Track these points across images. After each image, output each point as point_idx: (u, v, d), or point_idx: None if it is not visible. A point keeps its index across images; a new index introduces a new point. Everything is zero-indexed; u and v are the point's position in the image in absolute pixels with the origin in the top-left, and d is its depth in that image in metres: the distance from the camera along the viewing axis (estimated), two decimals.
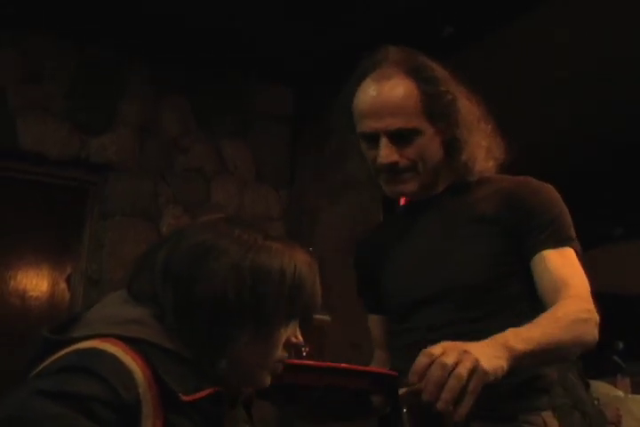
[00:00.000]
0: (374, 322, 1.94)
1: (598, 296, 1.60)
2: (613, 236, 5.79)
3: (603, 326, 1.63)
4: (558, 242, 1.64)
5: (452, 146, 1.72)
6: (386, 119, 1.66)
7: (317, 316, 1.64)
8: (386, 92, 1.68)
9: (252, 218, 4.45)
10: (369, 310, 1.95)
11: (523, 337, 1.36)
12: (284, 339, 1.28)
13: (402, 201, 1.97)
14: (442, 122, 1.70)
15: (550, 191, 1.73)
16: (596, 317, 1.55)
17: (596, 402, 3.59)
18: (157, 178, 4.30)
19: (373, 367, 1.58)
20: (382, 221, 1.96)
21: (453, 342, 1.27)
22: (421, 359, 1.24)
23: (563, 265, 1.61)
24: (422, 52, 1.77)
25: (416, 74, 1.70)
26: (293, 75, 4.58)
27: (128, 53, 4.29)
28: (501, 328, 1.45)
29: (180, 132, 4.42)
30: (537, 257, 1.63)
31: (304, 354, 1.59)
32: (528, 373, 1.59)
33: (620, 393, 4.27)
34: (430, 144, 1.70)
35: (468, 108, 1.74)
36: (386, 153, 1.67)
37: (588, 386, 3.92)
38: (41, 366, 1.14)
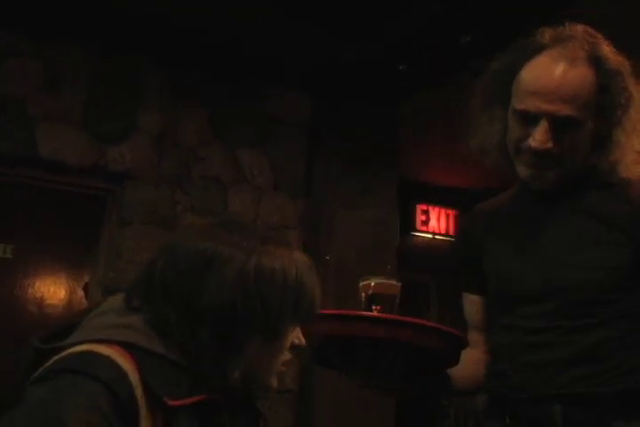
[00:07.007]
0: (471, 302, 1.84)
1: None
2: None
3: None
4: None
5: (604, 144, 1.62)
6: (556, 103, 1.55)
7: (388, 281, 1.62)
8: (565, 75, 1.56)
9: (268, 227, 4.45)
10: (466, 289, 1.85)
11: None
12: (290, 342, 1.29)
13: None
14: (604, 118, 1.61)
15: None
16: None
17: None
18: (175, 186, 4.31)
19: (442, 325, 1.53)
20: (504, 196, 1.84)
21: None
22: None
23: None
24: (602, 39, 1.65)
25: (598, 63, 1.59)
26: (310, 83, 4.58)
27: (146, 63, 4.31)
28: (599, 343, 1.51)
29: (197, 140, 4.44)
30: None
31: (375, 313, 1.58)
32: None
33: None
34: (585, 138, 1.61)
35: (637, 107, 1.62)
36: (543, 138, 1.56)
37: None
38: (38, 371, 1.14)
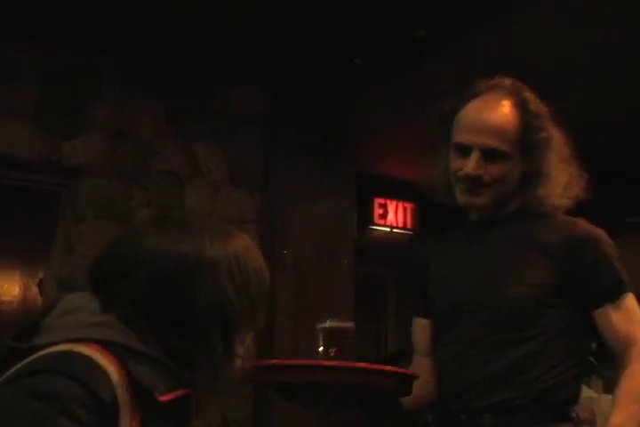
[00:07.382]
0: (420, 326, 2.03)
1: None
2: None
3: None
4: (617, 293, 1.79)
5: (532, 179, 1.86)
6: (485, 137, 1.83)
7: (342, 324, 1.74)
8: (493, 113, 1.85)
9: (226, 221, 4.43)
10: (415, 313, 2.06)
11: None
12: None
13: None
14: (530, 155, 1.85)
15: (605, 238, 1.86)
16: None
17: None
18: (130, 181, 4.28)
19: (395, 368, 1.66)
20: (446, 231, 2.12)
21: None
22: None
23: (625, 320, 1.78)
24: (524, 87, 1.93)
25: (522, 106, 1.87)
26: (267, 77, 4.57)
27: (100, 55, 4.26)
28: (526, 356, 1.73)
29: (153, 134, 4.40)
30: (599, 312, 1.79)
31: (331, 355, 1.68)
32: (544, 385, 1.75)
33: (594, 394, 4.30)
34: (512, 171, 1.85)
35: (558, 146, 1.88)
36: (474, 166, 1.82)
37: None
38: (10, 371, 1.12)
